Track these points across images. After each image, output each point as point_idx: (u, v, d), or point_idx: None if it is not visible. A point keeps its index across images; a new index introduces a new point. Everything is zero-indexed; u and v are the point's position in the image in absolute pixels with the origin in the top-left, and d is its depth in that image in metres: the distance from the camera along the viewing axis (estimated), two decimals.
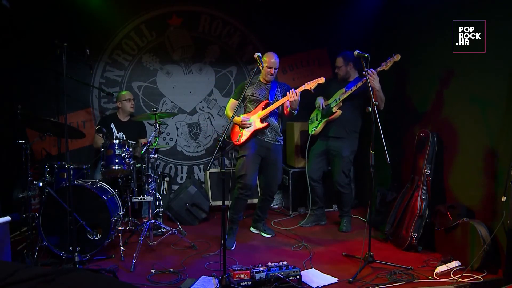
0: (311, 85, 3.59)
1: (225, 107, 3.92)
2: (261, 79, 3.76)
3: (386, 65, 3.58)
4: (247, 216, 4.32)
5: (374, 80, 3.59)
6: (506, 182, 2.80)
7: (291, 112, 3.68)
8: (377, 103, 3.15)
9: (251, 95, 3.74)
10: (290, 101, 3.57)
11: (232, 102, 3.84)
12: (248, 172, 3.60)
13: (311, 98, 4.23)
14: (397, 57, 3.52)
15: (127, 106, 4.34)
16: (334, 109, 4.02)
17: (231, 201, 3.75)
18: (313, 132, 4.21)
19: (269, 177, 3.85)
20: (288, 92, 3.58)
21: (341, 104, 3.99)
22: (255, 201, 4.25)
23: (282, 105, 3.73)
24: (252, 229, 4.09)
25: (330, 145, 4.12)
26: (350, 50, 3.65)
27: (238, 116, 3.66)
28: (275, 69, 3.68)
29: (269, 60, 3.65)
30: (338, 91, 4.06)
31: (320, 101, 4.14)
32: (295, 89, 3.57)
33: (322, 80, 3.58)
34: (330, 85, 4.26)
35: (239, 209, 3.70)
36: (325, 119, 4.11)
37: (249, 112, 3.74)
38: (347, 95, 3.91)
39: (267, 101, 3.71)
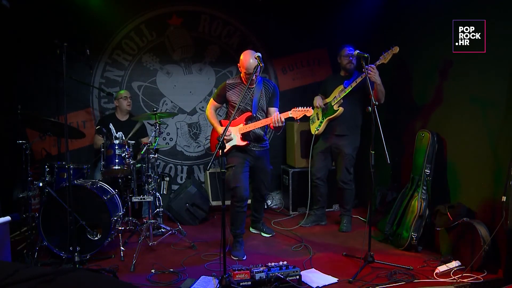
0: (297, 114, 3.21)
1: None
2: (244, 81, 3.47)
3: (384, 58, 3.55)
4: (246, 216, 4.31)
5: (375, 75, 3.58)
6: (506, 182, 2.79)
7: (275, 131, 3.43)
8: (377, 102, 3.13)
9: (233, 102, 3.49)
10: (273, 126, 3.28)
11: (212, 104, 3.61)
12: (240, 184, 3.38)
13: (310, 98, 4.23)
14: (396, 49, 3.49)
15: (123, 104, 4.35)
16: (335, 107, 4.01)
17: (230, 217, 3.47)
18: (317, 132, 4.19)
19: (258, 182, 3.73)
20: (272, 117, 3.26)
21: (341, 101, 3.98)
22: (249, 201, 4.21)
23: (268, 109, 3.55)
24: (252, 229, 4.09)
25: (333, 143, 4.11)
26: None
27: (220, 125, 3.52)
28: (255, 72, 3.22)
29: (244, 64, 3.30)
30: (336, 88, 4.05)
31: (318, 101, 4.13)
32: (280, 113, 3.28)
33: (310, 112, 3.20)
34: (327, 83, 4.26)
35: (239, 223, 3.47)
36: (327, 118, 4.09)
37: (232, 120, 3.30)
38: (347, 91, 3.90)
39: (250, 113, 3.47)
